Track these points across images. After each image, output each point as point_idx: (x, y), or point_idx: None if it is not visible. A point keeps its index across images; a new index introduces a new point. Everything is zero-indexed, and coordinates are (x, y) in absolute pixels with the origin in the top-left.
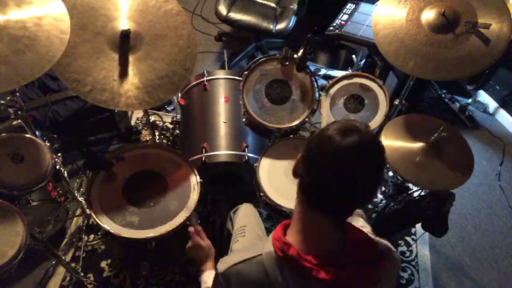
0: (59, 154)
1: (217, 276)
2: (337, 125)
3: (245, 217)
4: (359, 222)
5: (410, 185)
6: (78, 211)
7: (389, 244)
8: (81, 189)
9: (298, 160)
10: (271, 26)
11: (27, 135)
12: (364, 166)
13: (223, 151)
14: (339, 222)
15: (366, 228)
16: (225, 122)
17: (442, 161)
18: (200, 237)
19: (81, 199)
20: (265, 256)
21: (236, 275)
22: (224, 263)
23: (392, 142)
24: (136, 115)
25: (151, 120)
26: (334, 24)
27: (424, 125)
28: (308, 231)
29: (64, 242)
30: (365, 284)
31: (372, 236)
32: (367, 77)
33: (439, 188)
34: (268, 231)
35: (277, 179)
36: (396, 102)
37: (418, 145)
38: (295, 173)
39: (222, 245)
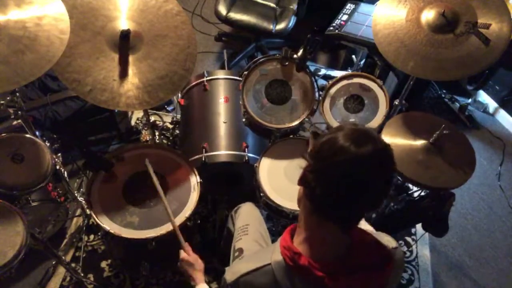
0: (59, 154)
1: (226, 287)
2: (347, 133)
3: (247, 215)
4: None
5: (410, 185)
6: (78, 211)
7: (393, 241)
8: (81, 189)
9: (306, 170)
10: (271, 26)
11: (27, 135)
12: (379, 174)
13: (223, 151)
14: (349, 228)
15: (369, 228)
16: (225, 122)
17: (443, 158)
18: (186, 252)
19: (81, 199)
20: (274, 266)
21: (245, 285)
22: (232, 273)
23: (393, 140)
24: (136, 115)
25: (151, 120)
26: (334, 24)
27: (425, 123)
28: (316, 238)
29: (64, 242)
30: (374, 287)
31: (375, 233)
32: (367, 77)
33: (441, 186)
34: (269, 231)
35: (277, 179)
36: (396, 102)
37: (419, 143)
38: (303, 183)
39: (222, 244)
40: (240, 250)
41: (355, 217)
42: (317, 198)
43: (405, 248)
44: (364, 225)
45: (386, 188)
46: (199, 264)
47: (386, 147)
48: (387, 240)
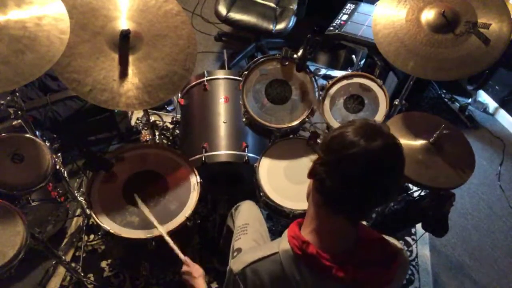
0: (59, 154)
1: (233, 276)
2: (357, 128)
3: (247, 214)
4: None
5: (410, 185)
6: (78, 211)
7: (398, 243)
8: (81, 189)
9: (317, 163)
10: (271, 26)
11: (27, 135)
12: (390, 168)
13: (223, 151)
14: (357, 221)
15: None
16: (225, 122)
17: (443, 159)
18: (186, 265)
19: (81, 199)
20: (282, 254)
21: (252, 274)
22: (239, 263)
23: None
24: (136, 115)
25: (151, 120)
26: (334, 24)
27: (424, 123)
28: (324, 230)
29: (64, 242)
30: (380, 284)
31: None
32: (367, 77)
33: (441, 186)
34: (269, 231)
35: (277, 179)
36: (396, 102)
37: (419, 143)
38: (313, 175)
39: (221, 242)
40: (239, 250)
41: (364, 210)
42: (326, 190)
43: (405, 248)
44: None
45: (395, 183)
46: (198, 271)
47: (396, 142)
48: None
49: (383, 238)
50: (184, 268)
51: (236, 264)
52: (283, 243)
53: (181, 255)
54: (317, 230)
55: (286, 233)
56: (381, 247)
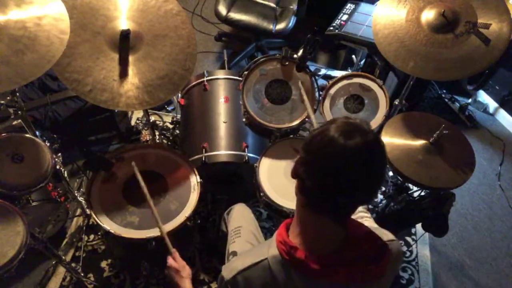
0: (59, 154)
1: (224, 284)
2: (338, 126)
3: (239, 217)
4: (358, 209)
5: (410, 185)
6: (78, 211)
7: (390, 235)
8: (81, 189)
9: (298, 163)
10: (271, 26)
11: (27, 135)
12: (369, 166)
13: (223, 151)
14: (342, 220)
15: (367, 217)
16: (225, 122)
17: (443, 159)
18: (173, 259)
19: (81, 199)
20: (271, 260)
21: (244, 282)
22: (230, 270)
23: (393, 139)
24: (136, 115)
25: (151, 120)
26: (334, 24)
27: (425, 123)
28: (311, 232)
29: (64, 242)
30: (370, 280)
31: (372, 224)
32: (367, 77)
33: (441, 186)
34: (268, 231)
35: (277, 179)
36: (396, 102)
37: (419, 143)
38: (295, 175)
39: (220, 245)
40: (234, 253)
41: (346, 209)
42: (307, 191)
43: (405, 248)
44: (364, 217)
45: (377, 180)
46: (186, 271)
47: (376, 139)
48: (383, 233)
49: (371, 232)
50: (171, 262)
51: (227, 271)
52: (271, 249)
53: (171, 247)
54: (303, 232)
55: (274, 237)
56: (370, 242)
